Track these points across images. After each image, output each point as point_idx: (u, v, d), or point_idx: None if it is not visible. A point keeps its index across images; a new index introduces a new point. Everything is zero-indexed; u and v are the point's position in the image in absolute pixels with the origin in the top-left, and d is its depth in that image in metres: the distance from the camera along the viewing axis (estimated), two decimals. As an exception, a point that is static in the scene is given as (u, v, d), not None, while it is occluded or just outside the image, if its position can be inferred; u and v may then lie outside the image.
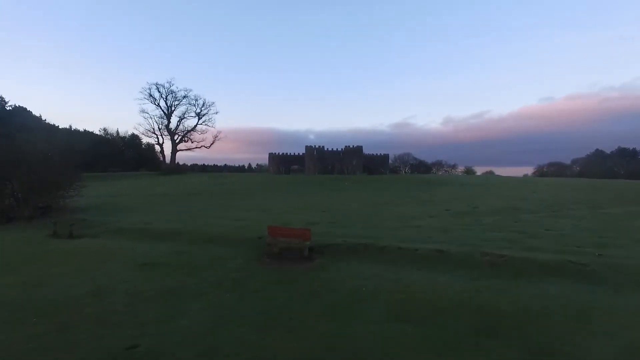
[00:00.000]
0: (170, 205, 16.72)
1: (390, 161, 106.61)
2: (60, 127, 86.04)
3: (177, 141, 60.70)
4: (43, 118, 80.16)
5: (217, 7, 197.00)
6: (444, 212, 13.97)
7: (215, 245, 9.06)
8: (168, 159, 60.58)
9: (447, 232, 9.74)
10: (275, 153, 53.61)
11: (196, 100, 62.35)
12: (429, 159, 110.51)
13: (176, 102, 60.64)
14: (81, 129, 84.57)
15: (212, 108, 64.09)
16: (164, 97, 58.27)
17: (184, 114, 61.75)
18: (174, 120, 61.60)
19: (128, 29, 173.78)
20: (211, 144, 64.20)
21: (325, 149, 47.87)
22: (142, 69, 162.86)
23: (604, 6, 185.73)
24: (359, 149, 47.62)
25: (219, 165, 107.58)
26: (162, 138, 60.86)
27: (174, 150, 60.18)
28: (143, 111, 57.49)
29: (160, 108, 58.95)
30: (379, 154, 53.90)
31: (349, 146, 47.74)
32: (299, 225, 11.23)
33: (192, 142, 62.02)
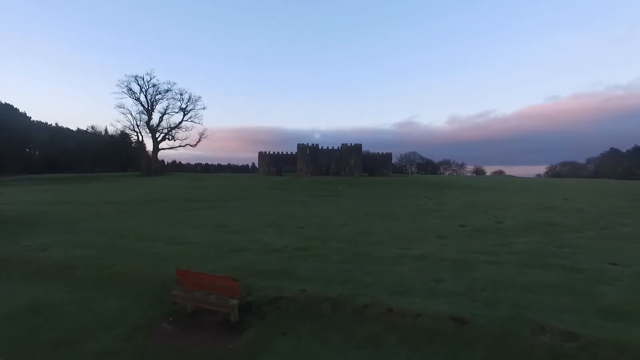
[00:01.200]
0: (107, 219, 13.85)
1: (395, 160, 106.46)
2: (50, 125, 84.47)
3: (159, 139, 57.98)
4: (28, 115, 78.50)
5: (224, 6, 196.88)
6: (457, 230, 11.05)
7: (109, 291, 6.17)
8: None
9: (465, 269, 6.81)
10: (265, 152, 50.75)
11: (181, 94, 59.64)
12: (434, 158, 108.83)
13: (158, 97, 58.01)
14: (73, 128, 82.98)
15: (198, 103, 61.42)
16: (144, 90, 55.56)
17: (167, 109, 59.05)
18: (155, 117, 58.95)
19: (129, 27, 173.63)
20: (197, 142, 61.54)
21: (320, 147, 44.97)
22: (142, 67, 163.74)
23: (608, 5, 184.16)
24: (357, 147, 44.71)
25: (222, 164, 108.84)
26: (141, 135, 57.98)
27: (156, 149, 57.41)
28: (119, 106, 54.49)
29: (140, 103, 56.27)
30: (381, 153, 50.97)
31: (346, 144, 44.81)
32: (253, 252, 8.35)
33: (174, 140, 59.27)
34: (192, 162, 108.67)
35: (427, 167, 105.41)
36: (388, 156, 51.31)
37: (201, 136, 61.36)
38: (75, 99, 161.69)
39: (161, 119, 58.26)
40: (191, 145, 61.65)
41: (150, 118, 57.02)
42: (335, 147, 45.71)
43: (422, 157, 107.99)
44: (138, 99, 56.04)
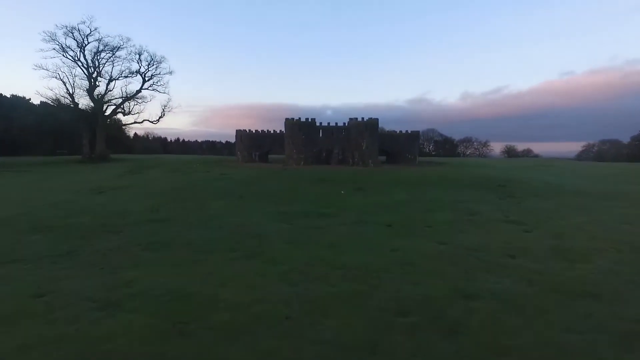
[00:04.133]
0: None
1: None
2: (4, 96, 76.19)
3: (106, 113, 49.51)
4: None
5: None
6: None
7: None
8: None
9: None
10: (244, 131, 42.08)
11: (139, 54, 50.62)
12: (448, 134, 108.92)
13: (107, 56, 48.88)
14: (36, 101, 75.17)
15: (162, 66, 52.54)
16: (81, 46, 46.39)
17: (117, 73, 50.00)
18: (103, 84, 50.12)
19: None
20: (159, 118, 53.00)
21: (320, 123, 35.92)
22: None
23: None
24: (372, 123, 35.35)
25: (231, 142, 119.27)
26: (73, 107, 48.42)
27: (103, 127, 48.94)
28: (41, 67, 45.41)
29: (79, 64, 47.20)
30: (404, 132, 41.77)
31: (355, 119, 35.55)
32: None
33: (125, 115, 50.80)
34: (200, 140, 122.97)
35: (446, 145, 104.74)
36: (414, 136, 42.01)
37: (164, 109, 52.76)
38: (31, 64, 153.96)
39: (109, 86, 49.61)
40: (151, 122, 53.34)
41: (93, 85, 48.30)
42: (341, 123, 36.67)
43: (440, 134, 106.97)
44: (77, 59, 47.05)
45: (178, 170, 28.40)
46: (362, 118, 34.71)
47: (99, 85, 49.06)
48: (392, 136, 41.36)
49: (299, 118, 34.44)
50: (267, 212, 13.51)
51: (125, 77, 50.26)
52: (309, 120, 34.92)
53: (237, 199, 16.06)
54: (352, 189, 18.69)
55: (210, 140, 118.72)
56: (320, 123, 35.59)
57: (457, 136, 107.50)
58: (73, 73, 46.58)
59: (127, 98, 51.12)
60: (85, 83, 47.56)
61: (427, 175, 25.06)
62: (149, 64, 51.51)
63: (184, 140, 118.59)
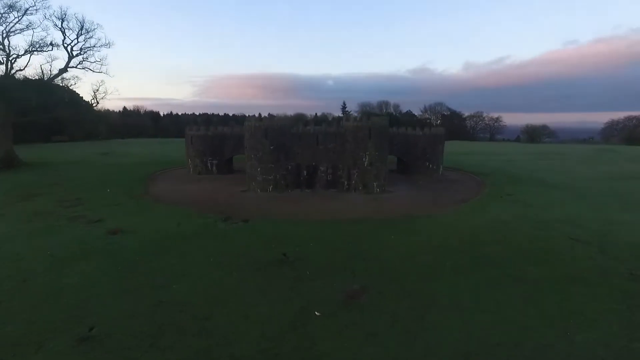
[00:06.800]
0: None
1: (419, 112, 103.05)
2: None
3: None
4: None
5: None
6: None
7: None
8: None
9: None
10: (196, 129, 31.98)
11: (61, 20, 39.49)
12: (451, 105, 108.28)
13: (8, 21, 37.56)
14: None
15: (97, 34, 41.72)
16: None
17: (10, 43, 38.50)
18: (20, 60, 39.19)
19: None
20: (92, 106, 42.16)
21: (299, 129, 25.48)
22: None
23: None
24: (379, 124, 24.72)
25: (235, 115, 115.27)
26: None
27: (7, 117, 38.13)
28: None
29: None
30: (423, 130, 31.60)
31: (354, 114, 25.02)
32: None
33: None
34: (197, 112, 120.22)
35: (454, 119, 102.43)
36: (437, 137, 31.70)
37: (96, 94, 41.89)
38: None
39: (14, 63, 38.50)
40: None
41: (-10, 62, 37.22)
42: (333, 117, 26.35)
43: (448, 109, 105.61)
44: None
45: (58, 213, 18.14)
46: (366, 116, 24.06)
47: (1, 62, 38.16)
48: (407, 137, 31.14)
49: (269, 114, 23.99)
50: None
51: (40, 50, 39.22)
52: (278, 115, 24.37)
53: (69, 349, 6.31)
54: (342, 296, 8.98)
55: (208, 112, 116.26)
56: (300, 127, 25.19)
57: (461, 107, 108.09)
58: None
59: (48, 79, 40.45)
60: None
61: (481, 235, 15.21)
62: (77, 35, 40.69)
63: (177, 114, 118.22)
